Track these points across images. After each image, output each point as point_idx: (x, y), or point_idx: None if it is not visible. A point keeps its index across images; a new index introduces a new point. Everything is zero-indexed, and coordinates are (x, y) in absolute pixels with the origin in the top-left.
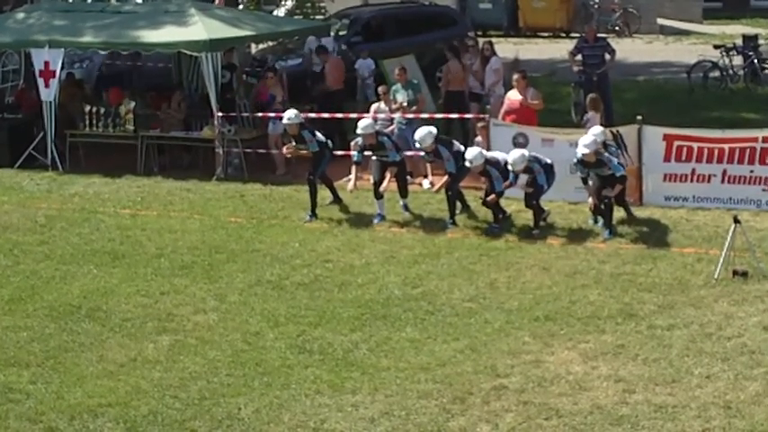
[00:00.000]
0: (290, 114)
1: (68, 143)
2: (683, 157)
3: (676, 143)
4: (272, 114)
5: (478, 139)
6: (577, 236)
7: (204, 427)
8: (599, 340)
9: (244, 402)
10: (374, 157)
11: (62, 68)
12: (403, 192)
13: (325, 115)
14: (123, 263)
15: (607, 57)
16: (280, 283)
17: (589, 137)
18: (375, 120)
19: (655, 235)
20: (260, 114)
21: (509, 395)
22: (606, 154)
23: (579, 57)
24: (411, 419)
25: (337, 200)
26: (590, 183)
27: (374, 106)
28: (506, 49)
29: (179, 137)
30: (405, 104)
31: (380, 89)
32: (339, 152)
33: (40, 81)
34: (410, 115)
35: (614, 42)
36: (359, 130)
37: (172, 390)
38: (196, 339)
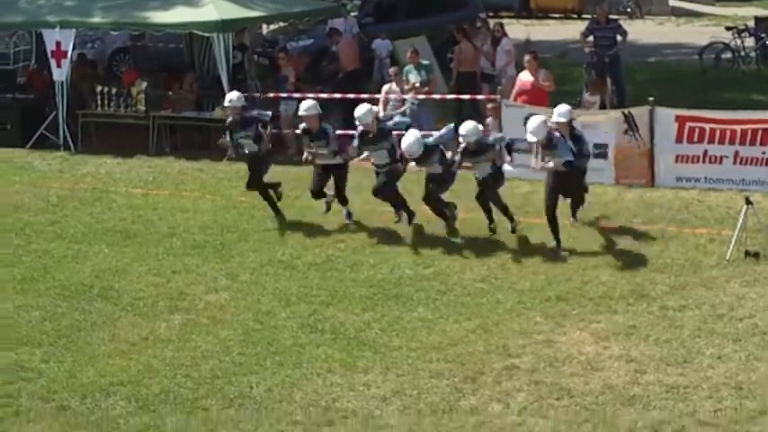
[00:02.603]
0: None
1: (80, 123)
2: (695, 139)
3: (688, 124)
4: (284, 95)
5: (489, 120)
6: (589, 216)
7: (216, 405)
8: (611, 321)
9: (256, 381)
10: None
11: (74, 48)
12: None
13: (337, 96)
14: (135, 242)
15: (618, 38)
16: (291, 263)
17: (536, 120)
18: (387, 101)
19: (667, 216)
20: (271, 95)
21: (520, 375)
22: (558, 135)
23: (591, 38)
24: (422, 398)
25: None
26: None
27: (385, 87)
28: (518, 30)
29: (191, 117)
30: (417, 85)
31: (391, 70)
32: (353, 132)
33: (52, 61)
34: (422, 96)
35: (626, 24)
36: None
37: (184, 368)
38: (208, 318)
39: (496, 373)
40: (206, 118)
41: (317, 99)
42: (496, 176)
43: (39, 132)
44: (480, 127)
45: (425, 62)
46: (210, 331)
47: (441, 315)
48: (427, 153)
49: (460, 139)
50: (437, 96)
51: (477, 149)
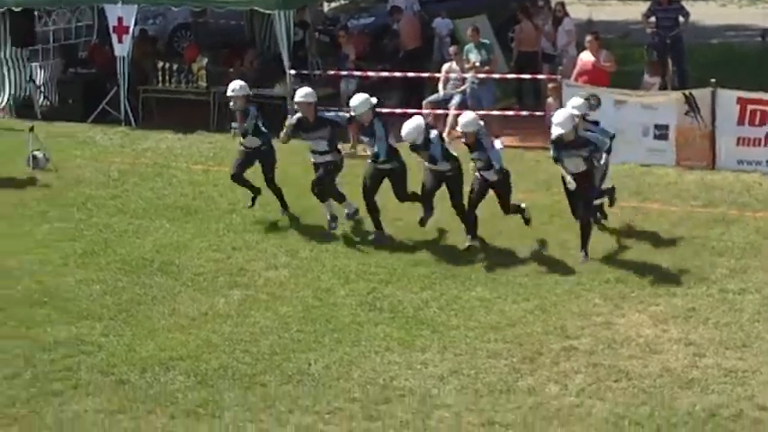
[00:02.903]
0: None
1: (141, 99)
2: (757, 121)
3: (750, 107)
4: (345, 73)
5: (550, 100)
6: (649, 198)
7: (274, 381)
8: (670, 303)
9: (314, 358)
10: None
11: (135, 24)
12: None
13: (397, 74)
14: (196, 218)
15: (681, 19)
16: (351, 241)
17: (563, 113)
18: (447, 80)
19: (728, 199)
20: (332, 72)
21: (579, 356)
22: (587, 132)
23: (652, 19)
24: (480, 378)
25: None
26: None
27: (446, 66)
28: (579, 10)
29: (251, 94)
30: (477, 64)
31: (452, 49)
32: (412, 110)
33: (114, 37)
34: (482, 75)
35: (688, 5)
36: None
37: (243, 344)
38: (267, 295)
39: (554, 355)
40: (266, 95)
41: (378, 78)
42: (503, 180)
43: (100, 107)
44: (481, 121)
45: (486, 41)
46: (270, 307)
47: (499, 295)
48: (427, 143)
49: (458, 129)
50: (497, 76)
51: (474, 144)
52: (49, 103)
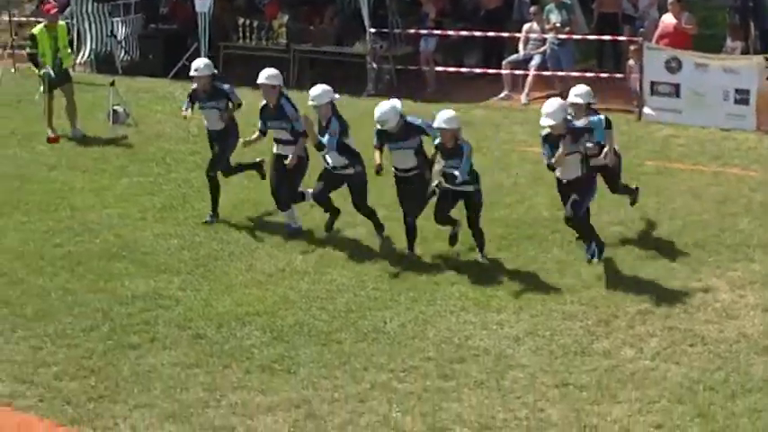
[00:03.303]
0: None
1: (222, 55)
2: None
3: None
4: (425, 32)
5: (631, 62)
6: (729, 163)
7: (350, 338)
8: (748, 269)
9: (390, 316)
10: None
11: None
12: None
13: (477, 33)
14: None
15: None
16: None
17: (553, 103)
18: (527, 40)
19: None
20: (412, 31)
21: (654, 320)
22: (576, 122)
23: None
24: (555, 340)
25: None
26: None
27: (526, 26)
28: None
29: (331, 51)
30: (558, 25)
31: (532, 9)
32: (492, 71)
33: None
34: (562, 36)
35: None
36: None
37: (319, 301)
38: (344, 252)
39: (630, 318)
40: (346, 53)
41: (457, 37)
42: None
43: (181, 63)
44: (458, 119)
45: (567, 1)
46: (346, 265)
47: (575, 257)
48: (406, 131)
49: (435, 124)
50: (578, 37)
51: (454, 149)
52: (129, 58)
